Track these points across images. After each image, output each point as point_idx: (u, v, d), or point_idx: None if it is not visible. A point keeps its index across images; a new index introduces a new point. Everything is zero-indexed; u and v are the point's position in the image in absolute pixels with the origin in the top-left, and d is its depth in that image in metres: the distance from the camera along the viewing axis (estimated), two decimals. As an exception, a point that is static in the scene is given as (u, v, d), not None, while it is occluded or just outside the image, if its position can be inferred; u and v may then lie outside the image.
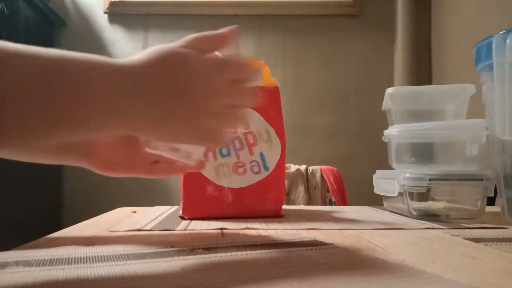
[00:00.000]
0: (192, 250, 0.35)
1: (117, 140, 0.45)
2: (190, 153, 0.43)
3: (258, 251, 0.35)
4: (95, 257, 0.32)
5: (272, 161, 0.60)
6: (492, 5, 1.32)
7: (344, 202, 1.37)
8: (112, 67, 0.30)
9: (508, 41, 0.52)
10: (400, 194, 0.60)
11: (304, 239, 0.40)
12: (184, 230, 0.48)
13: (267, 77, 0.62)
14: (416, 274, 0.27)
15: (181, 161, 0.45)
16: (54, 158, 0.46)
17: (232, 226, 0.51)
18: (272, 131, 0.60)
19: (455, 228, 0.50)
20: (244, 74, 0.36)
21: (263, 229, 0.49)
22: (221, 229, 0.49)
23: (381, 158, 1.46)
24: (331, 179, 1.39)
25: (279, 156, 0.60)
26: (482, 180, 0.56)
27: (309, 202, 1.38)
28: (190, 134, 0.34)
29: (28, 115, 0.27)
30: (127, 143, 0.45)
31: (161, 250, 0.35)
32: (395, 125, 0.67)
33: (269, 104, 0.61)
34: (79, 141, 0.44)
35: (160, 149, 0.43)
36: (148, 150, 0.44)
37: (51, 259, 0.32)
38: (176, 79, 0.32)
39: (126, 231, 0.47)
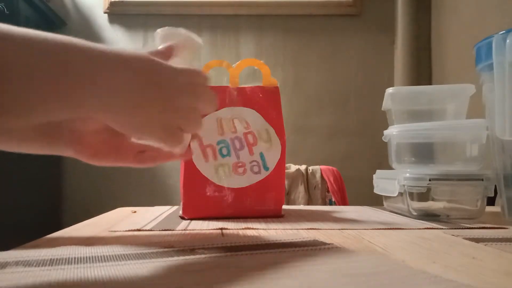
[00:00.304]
0: (192, 250, 0.35)
1: (103, 129, 0.46)
2: None
3: (258, 251, 0.35)
4: (95, 257, 0.32)
5: (272, 161, 0.60)
6: (492, 5, 1.32)
7: (344, 202, 1.37)
8: (96, 51, 0.32)
9: (508, 41, 0.52)
10: (400, 194, 0.60)
11: (304, 239, 0.40)
12: (184, 230, 0.48)
13: (267, 77, 0.62)
14: (416, 274, 0.27)
15: (167, 149, 0.46)
16: (40, 147, 0.46)
17: (232, 226, 0.51)
18: (272, 131, 0.60)
19: (455, 228, 0.50)
20: (201, 79, 0.38)
21: (263, 229, 0.49)
22: (221, 229, 0.49)
23: (381, 158, 1.46)
24: (331, 179, 1.39)
25: (279, 156, 0.60)
26: (482, 180, 0.56)
27: (309, 202, 1.38)
28: (153, 128, 0.35)
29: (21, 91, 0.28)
30: (113, 132, 0.45)
31: (161, 250, 0.35)
32: (395, 125, 0.67)
33: (269, 104, 0.61)
34: (66, 129, 0.45)
35: (146, 138, 0.42)
36: (133, 139, 0.44)
37: (51, 259, 0.32)
38: (149, 75, 0.34)
39: (126, 231, 0.47)
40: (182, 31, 0.42)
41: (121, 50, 0.33)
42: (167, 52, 0.39)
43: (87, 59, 0.31)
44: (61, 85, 0.29)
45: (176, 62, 0.39)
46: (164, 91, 0.34)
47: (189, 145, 0.45)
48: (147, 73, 0.34)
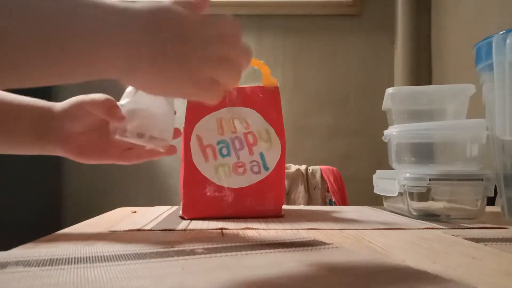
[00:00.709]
0: (192, 250, 0.35)
1: (90, 128, 0.48)
2: (155, 138, 0.44)
3: (258, 251, 0.35)
4: (95, 257, 0.32)
5: (272, 161, 0.60)
6: (492, 5, 1.32)
7: (344, 202, 1.37)
8: (116, 9, 0.30)
9: (508, 41, 0.52)
10: (400, 194, 0.60)
11: (304, 239, 0.40)
12: (184, 230, 0.48)
13: (267, 77, 0.62)
14: (416, 274, 0.27)
15: (151, 147, 0.46)
16: (31, 148, 0.48)
17: (232, 226, 0.51)
18: (272, 131, 0.60)
19: (455, 228, 0.50)
20: (233, 28, 0.36)
21: (263, 229, 0.49)
22: (221, 229, 0.49)
23: (381, 158, 1.46)
24: (331, 179, 1.39)
25: (279, 156, 0.60)
26: (482, 180, 0.56)
27: (309, 202, 1.38)
28: (181, 83, 0.33)
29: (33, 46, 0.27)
30: (100, 131, 0.48)
31: (161, 250, 0.35)
32: (395, 125, 0.67)
33: (269, 104, 0.61)
34: (54, 130, 0.47)
35: (126, 136, 0.43)
36: (117, 137, 0.43)
37: (51, 259, 0.32)
38: (172, 26, 0.32)
39: (126, 231, 0.47)
40: None
41: (138, 4, 0.31)
42: (199, 4, 0.37)
43: (102, 16, 0.29)
44: (80, 47, 0.29)
45: None
46: (189, 43, 0.32)
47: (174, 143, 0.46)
48: (168, 25, 0.31)
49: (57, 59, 0.29)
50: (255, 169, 0.59)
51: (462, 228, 0.50)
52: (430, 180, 0.56)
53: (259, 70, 0.63)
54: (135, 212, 0.67)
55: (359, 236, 0.44)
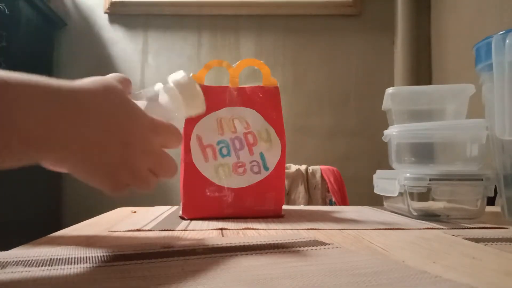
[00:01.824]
0: (192, 250, 0.35)
1: None
2: None
3: (258, 251, 0.35)
4: (95, 257, 0.32)
5: (272, 161, 0.60)
6: (492, 5, 1.32)
7: (344, 202, 1.37)
8: (48, 88, 0.28)
9: (507, 41, 0.52)
10: (400, 194, 0.60)
11: (304, 239, 0.40)
12: (184, 230, 0.48)
13: (267, 77, 0.62)
14: (416, 274, 0.27)
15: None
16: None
17: (232, 226, 0.51)
18: (272, 131, 0.60)
19: (455, 228, 0.50)
20: (172, 141, 0.35)
21: (263, 229, 0.49)
22: (221, 229, 0.49)
23: (381, 158, 1.46)
24: (331, 179, 1.39)
25: (279, 156, 0.60)
26: (482, 180, 0.56)
27: (309, 202, 1.38)
28: (104, 179, 0.32)
29: None
30: None
31: (161, 250, 0.35)
32: (395, 125, 0.67)
33: (269, 104, 0.61)
34: None
35: None
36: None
37: (51, 259, 0.32)
38: (115, 112, 0.30)
39: (126, 231, 0.47)
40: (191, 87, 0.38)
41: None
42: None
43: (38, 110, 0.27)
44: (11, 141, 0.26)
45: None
46: (129, 142, 0.31)
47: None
48: (110, 119, 0.30)
49: None
50: (255, 169, 0.59)
51: (462, 228, 0.50)
52: (430, 180, 0.56)
53: (259, 70, 0.63)
54: (135, 212, 0.67)
55: (359, 236, 0.44)
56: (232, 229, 0.49)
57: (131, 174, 0.32)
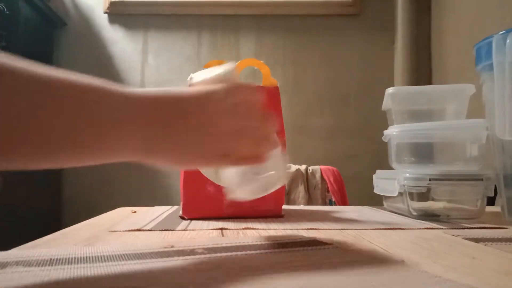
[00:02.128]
0: (192, 250, 0.35)
1: None
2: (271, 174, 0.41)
3: (258, 251, 0.35)
4: (95, 257, 0.32)
5: (272, 161, 0.60)
6: (492, 5, 1.32)
7: (344, 202, 1.37)
8: (122, 95, 0.30)
9: (508, 41, 0.52)
10: (400, 194, 0.60)
11: (304, 239, 0.40)
12: (184, 230, 0.48)
13: (267, 77, 0.62)
14: (416, 274, 0.27)
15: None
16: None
17: (232, 226, 0.51)
18: (272, 131, 0.60)
19: (455, 228, 0.50)
20: (252, 97, 0.36)
21: (263, 229, 0.49)
22: (221, 229, 0.49)
23: (381, 158, 1.46)
24: (331, 179, 1.39)
25: (279, 156, 0.60)
26: (482, 180, 0.56)
27: (309, 202, 1.38)
28: (196, 157, 0.35)
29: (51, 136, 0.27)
30: None
31: (161, 250, 0.35)
32: (395, 125, 0.67)
33: (269, 104, 0.61)
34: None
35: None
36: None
37: (51, 259, 0.32)
38: (180, 105, 0.33)
39: (126, 231, 0.47)
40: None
41: (144, 89, 0.32)
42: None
43: (115, 106, 0.30)
44: (101, 131, 0.29)
45: None
46: (194, 121, 0.33)
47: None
48: (175, 103, 0.33)
49: (72, 147, 0.29)
50: (255, 169, 0.59)
51: (462, 228, 0.50)
52: (430, 180, 0.56)
53: (259, 70, 0.63)
54: (135, 212, 0.67)
55: (359, 236, 0.44)
56: (232, 229, 0.49)
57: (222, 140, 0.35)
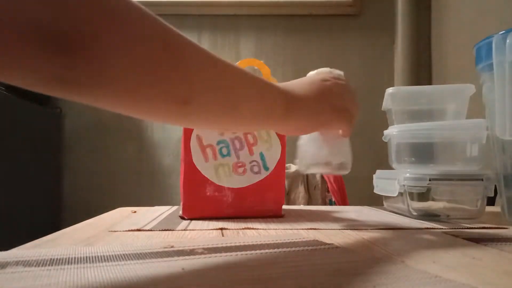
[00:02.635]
0: (192, 250, 0.35)
1: None
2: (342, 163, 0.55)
3: (258, 251, 0.35)
4: (95, 257, 0.32)
5: (272, 161, 0.60)
6: (492, 5, 1.32)
7: (344, 202, 1.37)
8: (279, 90, 0.42)
9: (508, 41, 0.52)
10: (400, 194, 0.60)
11: (304, 239, 0.40)
12: (184, 230, 0.48)
13: (267, 77, 0.62)
14: (416, 274, 0.27)
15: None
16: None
17: (232, 226, 0.51)
18: (272, 131, 0.60)
19: (455, 228, 0.50)
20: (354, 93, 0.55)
21: (263, 229, 0.49)
22: (221, 229, 0.49)
23: (381, 158, 1.46)
24: (331, 179, 1.39)
25: (279, 156, 0.60)
26: (482, 180, 0.56)
27: (309, 202, 1.38)
28: (314, 124, 0.47)
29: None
30: None
31: (161, 250, 0.35)
32: (395, 125, 0.67)
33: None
34: None
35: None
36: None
37: (51, 259, 0.32)
38: (315, 88, 0.47)
39: (126, 231, 0.47)
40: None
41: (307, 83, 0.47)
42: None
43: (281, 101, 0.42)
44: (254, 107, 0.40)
45: None
46: (325, 99, 0.47)
47: None
48: (312, 87, 0.47)
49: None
50: (255, 169, 0.59)
51: (462, 228, 0.50)
52: (430, 180, 0.56)
53: (259, 70, 0.63)
54: (135, 212, 0.67)
55: (359, 236, 0.44)
56: (232, 229, 0.49)
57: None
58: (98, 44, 0.25)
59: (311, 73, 0.55)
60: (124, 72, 0.27)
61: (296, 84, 0.46)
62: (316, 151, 0.52)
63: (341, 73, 0.58)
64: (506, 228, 0.50)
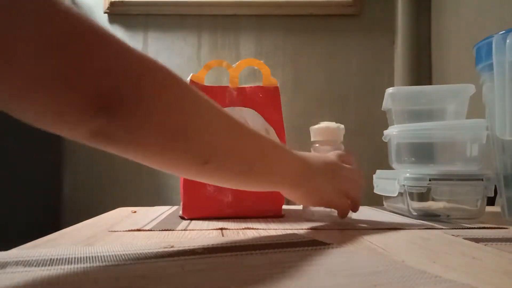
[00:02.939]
0: (192, 250, 0.35)
1: None
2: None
3: (258, 251, 0.35)
4: (95, 257, 0.32)
5: (272, 161, 0.60)
6: (492, 5, 1.32)
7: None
8: (296, 157, 0.46)
9: (508, 41, 0.52)
10: (400, 194, 0.60)
11: (304, 239, 0.40)
12: (184, 230, 0.48)
13: (267, 77, 0.62)
14: (416, 274, 0.27)
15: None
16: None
17: (232, 226, 0.51)
18: (272, 131, 0.60)
19: (455, 228, 0.50)
20: (359, 180, 0.53)
21: (263, 229, 0.49)
22: (221, 229, 0.49)
23: (381, 158, 1.46)
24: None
25: (279, 156, 0.60)
26: (482, 180, 0.56)
27: (309, 202, 1.37)
28: (319, 201, 0.51)
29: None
30: None
31: (161, 250, 0.35)
32: (395, 125, 0.67)
33: (269, 104, 0.61)
34: None
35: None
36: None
37: (51, 259, 0.32)
38: (329, 170, 0.49)
39: (126, 231, 0.47)
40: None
41: (321, 160, 0.50)
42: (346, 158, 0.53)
43: (288, 160, 0.45)
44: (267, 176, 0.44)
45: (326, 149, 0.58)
46: (333, 182, 0.49)
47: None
48: (327, 170, 0.49)
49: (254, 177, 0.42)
50: (255, 169, 0.59)
51: (462, 228, 0.50)
52: (430, 180, 0.56)
53: (259, 70, 0.63)
54: (135, 212, 0.67)
55: (359, 236, 0.44)
56: (232, 229, 0.49)
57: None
58: (142, 107, 0.29)
59: (321, 125, 0.62)
60: (156, 134, 0.31)
61: (313, 157, 0.49)
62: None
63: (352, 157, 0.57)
64: (506, 228, 0.50)
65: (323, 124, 0.61)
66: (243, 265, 0.30)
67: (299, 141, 1.95)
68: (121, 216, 0.61)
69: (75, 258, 0.32)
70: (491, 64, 0.54)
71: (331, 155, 0.52)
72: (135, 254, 0.33)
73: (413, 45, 1.77)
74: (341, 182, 0.50)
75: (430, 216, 0.58)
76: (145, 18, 1.85)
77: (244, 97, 0.60)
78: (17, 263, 0.30)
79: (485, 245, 0.39)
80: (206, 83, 0.61)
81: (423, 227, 0.50)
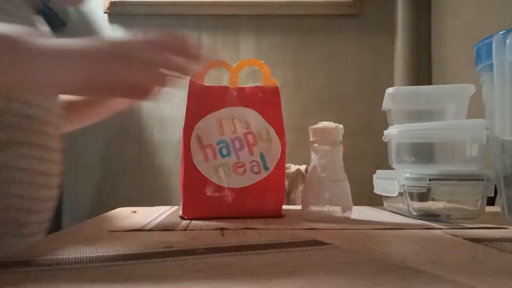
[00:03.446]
0: (192, 250, 0.35)
1: None
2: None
3: (258, 251, 0.35)
4: (95, 257, 0.32)
5: (272, 161, 0.60)
6: (492, 5, 1.32)
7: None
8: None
9: (508, 41, 0.52)
10: (400, 194, 0.60)
11: (304, 239, 0.40)
12: (184, 230, 0.48)
13: (267, 77, 0.62)
14: (416, 274, 0.27)
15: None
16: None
17: (232, 226, 0.51)
18: (272, 131, 0.60)
19: (455, 228, 0.50)
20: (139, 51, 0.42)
21: (263, 229, 0.49)
22: (221, 229, 0.49)
23: (381, 158, 1.46)
24: (331, 179, 1.39)
25: (279, 156, 0.60)
26: (482, 180, 0.56)
27: (309, 202, 1.38)
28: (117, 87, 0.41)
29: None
30: None
31: (161, 250, 0.35)
32: (395, 125, 0.67)
33: (269, 104, 0.61)
34: None
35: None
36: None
37: (51, 259, 0.32)
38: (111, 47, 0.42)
39: (126, 231, 0.47)
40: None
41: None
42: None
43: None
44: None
45: None
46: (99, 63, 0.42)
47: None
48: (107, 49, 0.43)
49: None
50: (255, 169, 0.59)
51: (462, 228, 0.50)
52: (430, 180, 0.56)
53: (259, 70, 0.63)
54: (135, 212, 0.67)
55: (359, 236, 0.44)
56: (232, 229, 0.49)
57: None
58: None
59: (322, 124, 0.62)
60: None
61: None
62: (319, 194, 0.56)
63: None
64: (506, 228, 0.50)
65: (322, 124, 0.61)
66: (243, 265, 0.30)
67: (299, 141, 1.96)
68: (121, 216, 0.61)
69: (75, 258, 0.32)
70: (491, 64, 0.54)
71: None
72: (135, 254, 0.33)
73: (413, 45, 1.77)
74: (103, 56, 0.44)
75: (430, 216, 0.58)
76: (145, 18, 1.85)
77: (244, 97, 0.60)
78: (17, 263, 0.30)
79: (485, 245, 0.39)
80: (206, 83, 0.61)
81: (423, 227, 0.50)
